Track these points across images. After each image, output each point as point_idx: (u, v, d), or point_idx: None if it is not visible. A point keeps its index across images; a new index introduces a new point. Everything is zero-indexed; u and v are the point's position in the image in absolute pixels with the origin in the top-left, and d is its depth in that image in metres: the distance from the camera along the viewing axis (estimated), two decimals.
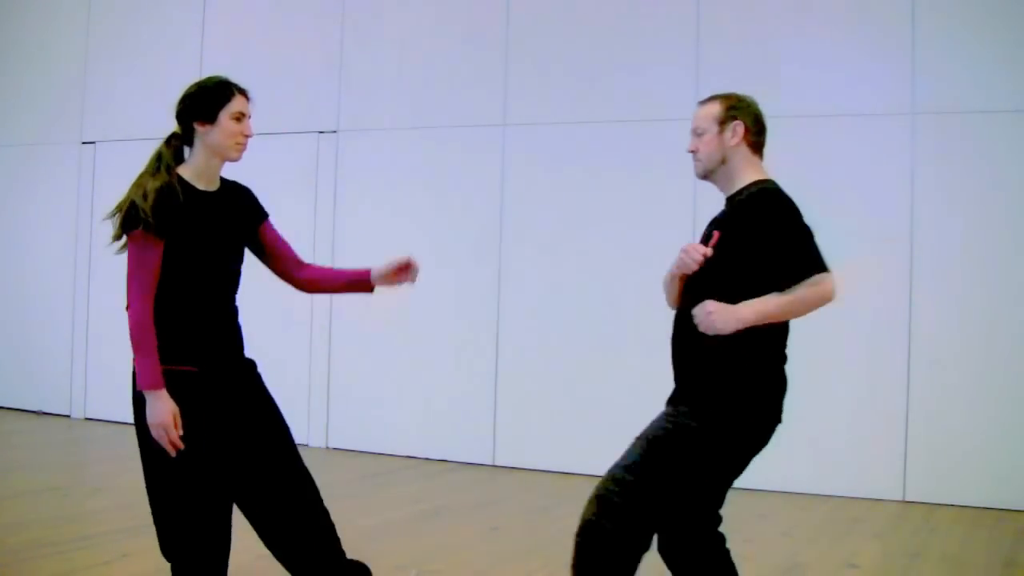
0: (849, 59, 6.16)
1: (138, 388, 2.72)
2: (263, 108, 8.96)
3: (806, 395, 6.20)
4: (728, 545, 2.97)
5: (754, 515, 5.51)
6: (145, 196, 2.72)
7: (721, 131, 2.92)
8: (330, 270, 3.26)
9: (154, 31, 8.13)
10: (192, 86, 2.93)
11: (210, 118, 2.86)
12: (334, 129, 7.40)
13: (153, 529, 2.77)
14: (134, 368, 2.75)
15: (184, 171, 2.86)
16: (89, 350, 8.22)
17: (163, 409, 2.68)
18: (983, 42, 5.89)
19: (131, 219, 2.72)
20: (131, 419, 2.75)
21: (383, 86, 7.32)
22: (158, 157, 2.85)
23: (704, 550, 2.93)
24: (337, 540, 2.91)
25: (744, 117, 2.93)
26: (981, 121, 5.88)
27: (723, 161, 2.94)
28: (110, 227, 2.79)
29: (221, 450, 2.81)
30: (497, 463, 6.84)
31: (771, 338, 2.85)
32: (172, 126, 2.91)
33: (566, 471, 6.58)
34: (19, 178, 8.67)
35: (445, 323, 7.03)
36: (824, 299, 2.78)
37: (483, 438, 6.88)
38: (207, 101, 2.87)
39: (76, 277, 8.33)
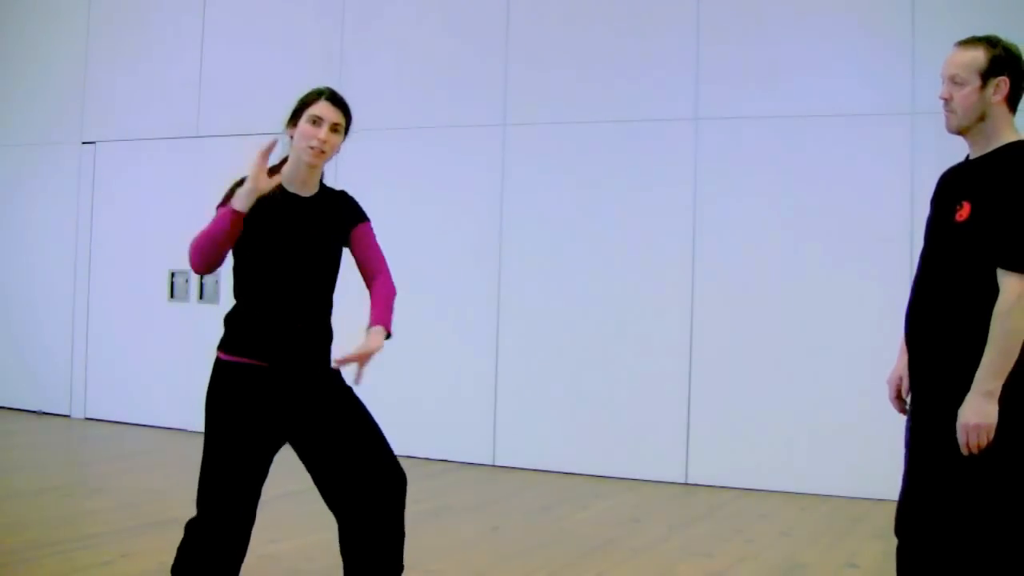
0: (849, 59, 6.16)
1: (232, 214, 2.72)
2: (263, 108, 8.90)
3: (806, 395, 6.23)
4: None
5: (754, 515, 5.52)
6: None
7: (984, 85, 2.64)
8: (375, 302, 3.05)
9: (154, 31, 8.12)
10: None
11: (293, 122, 2.95)
12: None
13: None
14: (216, 362, 2.84)
15: (284, 174, 2.95)
16: (89, 350, 8.21)
17: (247, 189, 2.73)
18: None
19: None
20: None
21: (383, 86, 7.32)
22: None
23: None
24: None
25: (1010, 73, 2.65)
26: None
27: (982, 118, 2.65)
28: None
29: (291, 437, 2.86)
30: (497, 463, 6.84)
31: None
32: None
33: (566, 471, 6.58)
34: (19, 178, 8.66)
35: (445, 323, 7.03)
36: (1015, 317, 2.53)
37: (483, 438, 6.88)
38: (296, 106, 2.95)
39: (76, 277, 8.33)
